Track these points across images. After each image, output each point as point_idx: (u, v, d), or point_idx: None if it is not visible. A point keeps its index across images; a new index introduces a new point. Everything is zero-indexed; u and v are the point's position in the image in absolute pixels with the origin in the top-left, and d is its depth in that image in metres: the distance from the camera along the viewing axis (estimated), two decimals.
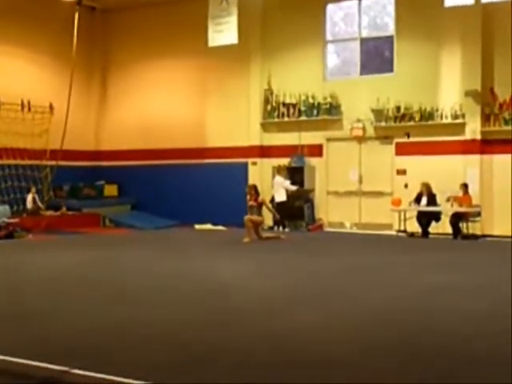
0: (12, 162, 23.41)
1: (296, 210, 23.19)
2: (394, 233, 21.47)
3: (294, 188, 22.45)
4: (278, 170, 22.92)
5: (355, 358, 6.83)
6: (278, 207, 22.25)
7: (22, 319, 8.66)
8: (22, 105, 23.62)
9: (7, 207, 22.56)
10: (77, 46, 21.92)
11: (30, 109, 23.81)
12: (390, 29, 22.88)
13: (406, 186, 21.86)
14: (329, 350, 7.18)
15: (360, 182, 22.88)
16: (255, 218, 18.98)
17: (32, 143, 23.69)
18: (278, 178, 22.55)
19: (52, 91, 24.52)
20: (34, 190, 23.50)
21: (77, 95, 24.08)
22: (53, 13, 24.36)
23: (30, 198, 23.46)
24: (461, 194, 20.20)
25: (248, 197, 19.30)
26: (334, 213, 23.31)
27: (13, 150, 23.27)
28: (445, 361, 6.70)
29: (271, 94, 24.07)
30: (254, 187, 19.52)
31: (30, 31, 24.42)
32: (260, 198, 19.36)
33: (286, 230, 22.77)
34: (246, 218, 18.84)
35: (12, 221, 21.28)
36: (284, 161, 23.56)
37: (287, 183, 22.45)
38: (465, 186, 20.24)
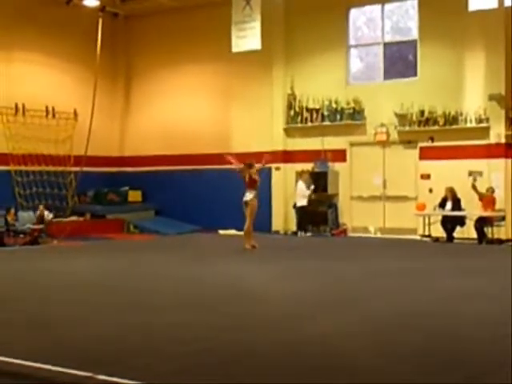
0: (37, 168, 23.56)
1: (320, 215, 23.22)
2: (418, 237, 21.39)
3: (308, 192, 22.57)
4: (300, 175, 23.03)
5: (376, 362, 6.79)
6: (299, 212, 22.48)
7: (47, 325, 8.70)
8: (47, 111, 23.81)
9: (32, 213, 22.65)
10: (100, 53, 22.01)
11: (54, 115, 23.98)
12: (413, 33, 22.81)
13: (430, 190, 21.76)
14: (350, 355, 7.14)
15: (384, 186, 22.81)
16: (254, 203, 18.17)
17: (56, 149, 23.85)
18: (300, 184, 22.69)
19: (76, 97, 24.68)
20: (41, 207, 22.47)
21: (101, 101, 24.18)
22: (76, 20, 24.52)
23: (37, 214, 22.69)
24: (485, 191, 20.12)
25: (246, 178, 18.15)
26: (358, 217, 23.24)
27: (37, 156, 23.44)
28: (464, 366, 6.67)
29: (294, 98, 24.07)
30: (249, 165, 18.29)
31: (53, 38, 24.58)
32: (254, 175, 18.11)
33: (308, 234, 22.82)
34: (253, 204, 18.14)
35: (37, 227, 21.35)
36: (307, 166, 23.56)
37: (305, 191, 22.55)
38: (492, 190, 20.14)
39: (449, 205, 20.60)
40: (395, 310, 9.67)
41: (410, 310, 9.60)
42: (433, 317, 9.13)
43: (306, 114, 23.83)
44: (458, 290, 11.36)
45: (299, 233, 22.90)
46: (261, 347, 7.52)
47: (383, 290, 11.59)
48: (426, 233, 21.00)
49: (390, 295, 10.97)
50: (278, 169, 24.20)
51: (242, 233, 20.40)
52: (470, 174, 20.63)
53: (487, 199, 20.09)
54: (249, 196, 17.93)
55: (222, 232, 23.82)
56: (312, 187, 22.83)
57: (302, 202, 22.74)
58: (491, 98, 20.73)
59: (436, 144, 21.90)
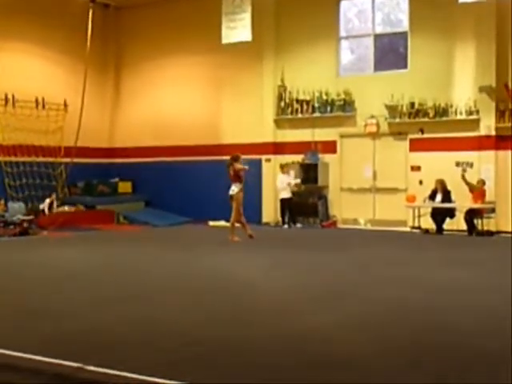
0: (26, 159, 23.50)
1: (310, 207, 23.25)
2: (408, 229, 21.43)
3: (289, 183, 22.92)
4: (281, 168, 23.07)
5: (369, 357, 6.79)
6: (282, 204, 22.96)
7: (36, 317, 8.69)
8: (37, 102, 23.72)
9: (22, 204, 22.63)
10: (91, 43, 21.97)
11: (44, 106, 23.91)
12: (404, 25, 22.80)
13: (420, 182, 21.80)
14: (344, 350, 7.15)
15: (374, 178, 22.83)
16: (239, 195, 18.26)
17: (46, 140, 23.80)
18: (281, 177, 22.83)
19: (66, 88, 24.61)
20: (54, 196, 23.32)
21: (91, 92, 24.15)
22: (67, 10, 24.42)
23: (47, 202, 23.23)
24: (474, 182, 20.17)
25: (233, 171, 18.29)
26: (348, 209, 23.26)
27: (27, 147, 23.36)
28: (459, 359, 6.69)
29: (285, 90, 24.05)
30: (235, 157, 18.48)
31: (44, 29, 24.46)
32: (237, 170, 18.20)
33: (298, 225, 22.88)
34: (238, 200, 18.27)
35: (27, 218, 21.32)
36: (298, 157, 23.58)
37: (284, 183, 22.70)
38: (482, 183, 20.19)
39: (439, 197, 20.64)
40: (384, 303, 9.67)
41: (400, 304, 9.61)
42: (422, 310, 9.14)
43: (296, 106, 23.82)
44: (453, 283, 11.37)
45: (285, 225, 22.93)
46: (255, 341, 7.52)
47: (373, 282, 11.59)
48: (416, 225, 21.05)
49: (380, 288, 10.97)
50: (268, 160, 24.20)
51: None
52: (458, 164, 20.72)
53: (478, 191, 20.13)
54: (234, 189, 17.98)
55: (211, 223, 23.81)
56: (297, 180, 22.96)
57: (285, 194, 22.89)
58: (481, 89, 20.75)
59: (426, 136, 21.92)
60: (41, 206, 22.88)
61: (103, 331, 7.93)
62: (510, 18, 20.31)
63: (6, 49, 23.51)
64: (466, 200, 20.38)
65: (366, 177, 22.94)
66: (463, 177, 20.15)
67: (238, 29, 21.78)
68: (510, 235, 19.81)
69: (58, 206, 23.53)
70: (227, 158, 18.85)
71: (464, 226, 20.20)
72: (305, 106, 23.66)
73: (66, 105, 24.31)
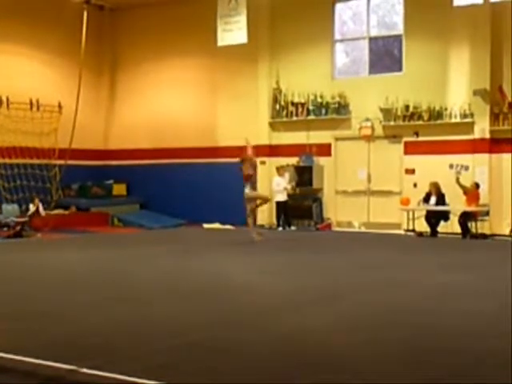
0: (21, 161, 23.44)
1: (304, 210, 23.25)
2: (402, 232, 21.45)
3: (285, 186, 22.82)
4: (277, 171, 23.02)
5: (366, 360, 6.78)
6: (278, 207, 22.88)
7: (31, 319, 8.67)
8: (31, 104, 23.65)
9: (16, 206, 22.57)
10: (85, 45, 21.93)
11: (38, 108, 23.83)
12: (399, 28, 22.81)
13: (414, 185, 21.82)
14: (339, 352, 7.14)
15: (369, 181, 22.84)
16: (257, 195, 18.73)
17: (41, 142, 23.72)
18: (276, 179, 22.76)
19: (61, 90, 24.54)
20: (37, 201, 22.93)
21: (86, 94, 24.12)
22: (61, 12, 24.32)
23: (32, 208, 22.86)
24: (468, 185, 20.18)
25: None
26: (343, 212, 23.27)
27: (21, 149, 23.29)
28: (456, 362, 6.68)
29: (280, 93, 24.04)
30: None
31: (38, 30, 24.42)
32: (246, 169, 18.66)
33: (292, 228, 22.86)
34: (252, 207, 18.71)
35: (21, 220, 21.27)
36: (293, 160, 23.58)
37: (281, 186, 22.63)
38: (476, 186, 20.21)
39: (433, 200, 20.66)
40: (380, 306, 9.66)
41: (395, 307, 9.61)
42: (418, 313, 9.14)
43: (291, 108, 23.81)
44: (448, 286, 11.36)
45: (279, 228, 22.92)
46: (247, 343, 7.51)
47: (368, 285, 11.59)
48: (410, 227, 21.06)
49: (375, 291, 10.97)
50: (263, 163, 24.18)
51: (226, 227, 20.51)
52: (451, 166, 20.78)
53: (472, 194, 20.15)
54: (245, 190, 18.43)
55: (206, 226, 23.80)
56: (293, 184, 22.98)
57: (280, 197, 22.85)
58: (476, 93, 20.77)
59: (421, 139, 21.94)
60: (28, 213, 22.47)
61: (99, 333, 7.91)
62: (510, 21, 20.33)
63: (0, 51, 23.45)
64: (460, 203, 20.41)
65: (360, 179, 22.95)
66: (457, 180, 20.18)
67: (233, 31, 21.78)
68: (503, 238, 19.85)
69: (52, 209, 23.44)
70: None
71: (458, 229, 20.23)
72: (300, 109, 23.66)
73: (60, 107, 24.22)
